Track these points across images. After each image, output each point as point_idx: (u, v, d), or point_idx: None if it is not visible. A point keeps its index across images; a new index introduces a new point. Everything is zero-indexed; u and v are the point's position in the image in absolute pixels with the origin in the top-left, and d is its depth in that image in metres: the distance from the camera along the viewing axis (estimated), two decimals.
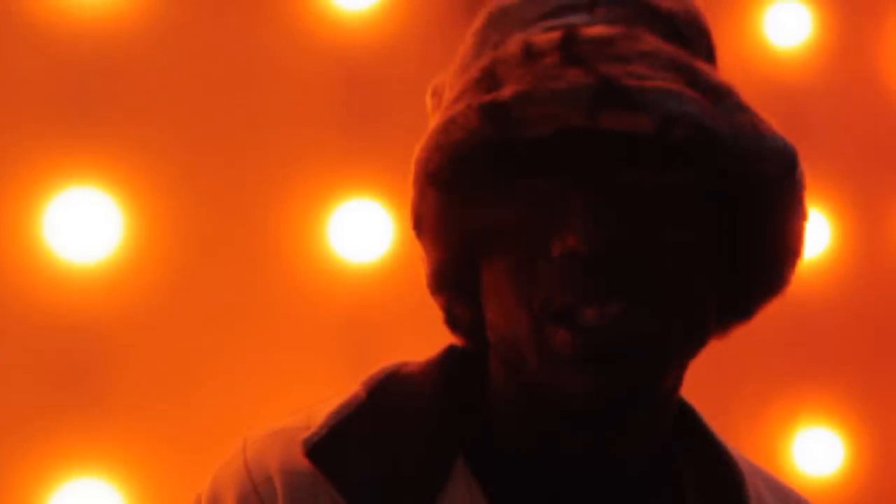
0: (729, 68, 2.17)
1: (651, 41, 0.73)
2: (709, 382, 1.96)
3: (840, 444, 2.00)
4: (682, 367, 0.79)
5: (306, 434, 0.79)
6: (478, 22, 0.81)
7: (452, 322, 0.85)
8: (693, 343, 0.76)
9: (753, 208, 0.76)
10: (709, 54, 0.80)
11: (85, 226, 1.58)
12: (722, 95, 0.73)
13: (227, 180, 1.71)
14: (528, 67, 0.71)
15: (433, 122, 0.78)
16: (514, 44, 0.74)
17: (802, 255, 0.80)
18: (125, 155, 1.65)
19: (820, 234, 2.04)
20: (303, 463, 0.78)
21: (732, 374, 1.97)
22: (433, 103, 0.84)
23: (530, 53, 0.72)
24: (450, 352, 0.86)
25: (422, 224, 0.80)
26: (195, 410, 1.65)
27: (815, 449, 1.99)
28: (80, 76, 1.66)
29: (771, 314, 2.22)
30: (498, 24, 0.78)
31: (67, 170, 1.61)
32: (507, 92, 0.71)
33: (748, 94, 2.33)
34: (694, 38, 0.78)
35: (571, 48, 0.71)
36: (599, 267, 0.71)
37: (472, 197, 0.76)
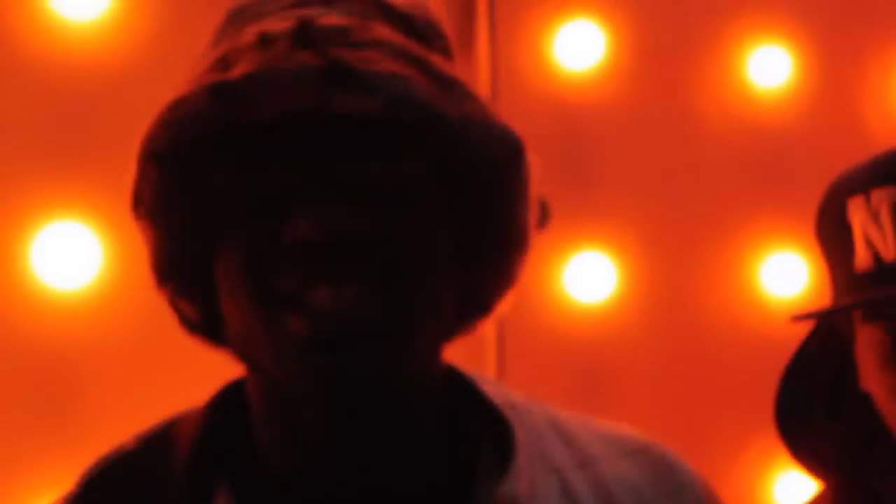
0: (712, 108, 2.19)
1: (385, 31, 0.73)
2: (688, 422, 1.97)
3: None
4: (430, 353, 0.78)
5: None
6: (219, 21, 0.80)
7: (184, 321, 0.82)
8: (432, 328, 0.76)
9: (481, 193, 0.77)
10: (445, 52, 0.79)
11: (67, 256, 1.62)
12: (452, 85, 0.74)
13: None
14: (261, 53, 0.71)
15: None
16: (249, 33, 0.73)
17: (529, 247, 0.79)
18: (105, 191, 1.68)
19: (797, 273, 2.05)
20: None
21: (712, 413, 1.98)
22: None
23: (264, 40, 0.72)
24: (224, 388, 0.85)
25: (141, 204, 0.77)
26: None
27: (796, 490, 1.99)
28: (65, 117, 1.70)
29: (750, 353, 2.23)
30: (236, 19, 0.77)
31: (53, 204, 1.64)
32: (236, 73, 0.71)
33: (730, 133, 2.34)
34: (431, 37, 0.78)
35: (305, 35, 0.71)
36: (331, 252, 0.70)
37: (197, 179, 0.74)
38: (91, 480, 0.82)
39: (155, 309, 1.64)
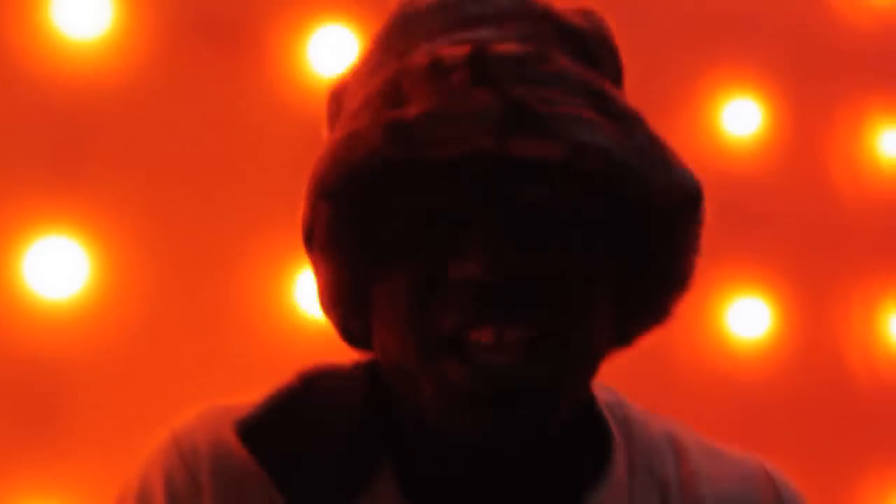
0: (684, 155, 2.24)
1: (561, 62, 0.71)
2: None
3: None
4: (581, 394, 0.77)
5: (239, 414, 0.78)
6: (382, 27, 0.77)
7: (349, 337, 0.81)
8: (588, 375, 0.75)
9: (654, 238, 0.75)
10: (616, 75, 0.78)
11: (57, 268, 1.70)
12: (632, 124, 0.72)
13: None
14: (436, 84, 0.68)
15: (334, 132, 0.74)
16: (420, 56, 0.70)
17: (689, 285, 0.78)
18: (93, 208, 1.74)
19: (759, 319, 2.09)
20: (233, 442, 0.76)
21: None
22: (331, 110, 0.80)
23: (437, 68, 0.69)
24: (370, 362, 0.83)
25: (313, 239, 0.76)
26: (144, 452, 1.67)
27: None
28: (58, 135, 1.74)
29: (712, 394, 2.27)
30: (403, 32, 0.74)
31: (45, 219, 1.71)
32: (412, 110, 0.68)
33: (702, 181, 2.38)
34: (603, 57, 0.76)
35: (480, 66, 0.68)
36: (498, 294, 0.68)
37: (368, 213, 0.72)
38: (269, 411, 0.78)
39: (136, 317, 1.71)
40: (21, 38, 1.74)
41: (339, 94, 0.79)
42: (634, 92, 2.30)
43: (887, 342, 2.16)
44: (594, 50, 0.75)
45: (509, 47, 0.70)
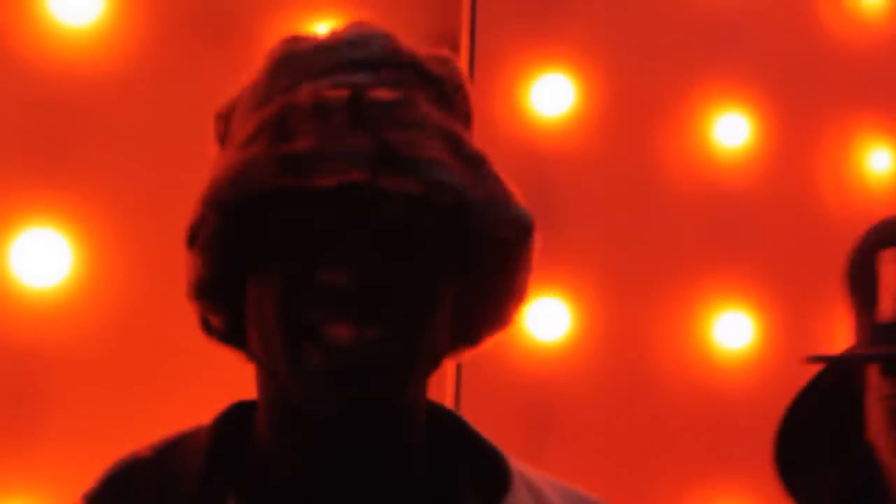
0: (674, 165, 2.25)
1: (424, 108, 0.85)
2: (634, 463, 2.01)
3: None
4: (423, 383, 0.90)
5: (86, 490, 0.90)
6: (267, 61, 0.89)
7: (208, 328, 0.93)
8: (429, 364, 0.88)
9: (492, 262, 0.89)
10: (467, 117, 0.92)
11: (42, 258, 1.73)
12: (479, 164, 0.86)
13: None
14: (320, 122, 0.82)
15: (226, 150, 0.87)
16: (305, 94, 0.83)
17: (525, 299, 0.92)
18: (76, 201, 1.75)
19: (743, 330, 2.11)
20: None
21: (652, 460, 2.02)
22: (219, 129, 0.93)
23: (321, 108, 0.82)
24: (229, 408, 0.94)
25: (196, 240, 0.88)
26: (126, 445, 1.67)
27: None
28: (43, 126, 1.74)
29: (693, 403, 2.27)
30: (288, 69, 0.87)
31: (30, 212, 1.73)
32: (301, 144, 0.81)
33: (689, 189, 2.38)
34: (457, 102, 0.90)
35: (358, 109, 0.82)
36: (358, 298, 0.81)
37: (248, 223, 0.85)
38: (110, 480, 0.90)
39: (118, 306, 1.71)
40: (11, 22, 1.74)
41: (226, 116, 0.93)
42: (627, 104, 2.33)
43: None
44: (450, 95, 0.89)
45: (382, 94, 0.83)
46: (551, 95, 2.06)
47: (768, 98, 2.19)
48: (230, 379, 1.74)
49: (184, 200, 1.76)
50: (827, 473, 1.08)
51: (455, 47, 1.97)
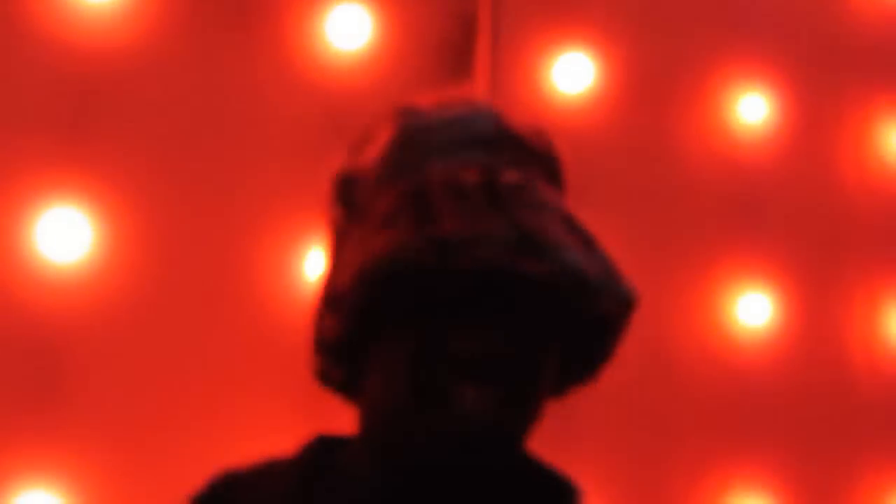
0: (693, 142, 2.24)
1: (541, 188, 0.93)
2: (652, 446, 2.01)
3: None
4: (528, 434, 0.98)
5: None
6: (391, 133, 0.96)
7: (324, 378, 1.00)
8: (535, 423, 0.95)
9: (595, 333, 0.97)
10: (564, 187, 1.01)
11: (64, 235, 1.75)
12: (591, 243, 0.93)
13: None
14: (459, 204, 0.89)
15: (364, 226, 0.93)
16: (438, 174, 0.91)
17: (611, 362, 1.01)
18: (98, 180, 1.76)
19: (763, 309, 2.10)
20: None
21: (672, 439, 2.02)
22: (343, 194, 0.98)
23: (458, 190, 0.90)
24: (312, 443, 1.02)
25: (337, 307, 0.94)
26: (148, 419, 1.69)
27: None
28: (66, 104, 1.76)
29: (714, 382, 2.27)
30: (413, 143, 0.94)
31: (53, 191, 1.74)
32: (446, 227, 0.88)
33: (709, 167, 2.35)
34: (560, 178, 1.00)
35: (492, 191, 0.90)
36: (484, 365, 0.89)
37: (389, 294, 0.91)
38: (215, 487, 0.98)
39: (138, 281, 1.72)
40: (34, 0, 1.75)
41: (350, 182, 0.97)
42: (648, 82, 2.32)
43: (889, 336, 2.16)
44: (554, 171, 0.98)
45: (511, 176, 0.92)
46: (572, 74, 2.06)
47: (789, 76, 2.18)
48: (253, 355, 1.76)
49: (205, 178, 1.79)
50: None
51: (474, 24, 1.96)
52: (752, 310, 2.10)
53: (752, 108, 2.15)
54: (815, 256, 2.15)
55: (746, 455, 2.06)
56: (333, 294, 0.94)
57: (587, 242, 0.93)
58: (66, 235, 1.73)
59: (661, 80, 2.10)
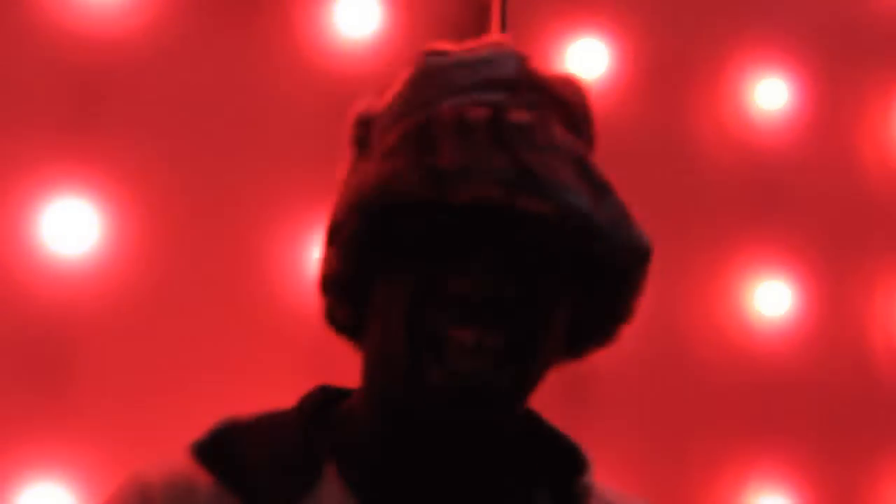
0: (711, 129, 2.23)
1: (556, 131, 0.90)
2: (672, 435, 2.00)
3: None
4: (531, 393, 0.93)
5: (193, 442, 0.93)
6: (410, 73, 0.94)
7: (332, 320, 0.98)
8: (538, 381, 0.91)
9: (608, 287, 0.93)
10: (590, 139, 0.97)
11: (71, 227, 1.72)
12: (605, 191, 0.90)
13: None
14: (462, 139, 0.86)
15: (370, 158, 0.91)
16: (447, 110, 0.88)
17: (631, 320, 0.96)
18: (105, 171, 1.74)
19: (783, 298, 2.08)
20: (186, 463, 0.91)
21: (690, 429, 2.01)
22: (359, 133, 0.96)
23: (463, 126, 0.87)
24: (313, 392, 0.99)
25: (336, 238, 0.93)
26: (157, 411, 1.68)
27: None
28: (72, 95, 1.74)
29: (732, 372, 2.25)
30: (430, 82, 0.92)
31: (59, 181, 1.72)
32: (444, 160, 0.86)
33: (727, 155, 2.35)
34: (583, 126, 0.95)
35: (498, 129, 0.87)
36: (484, 306, 0.85)
37: (387, 227, 0.89)
38: (217, 434, 0.93)
39: (147, 272, 1.71)
40: None
41: (367, 122, 0.95)
42: (664, 67, 2.30)
43: None
44: (578, 119, 0.94)
45: (520, 115, 0.89)
46: (586, 59, 2.03)
47: (808, 60, 2.16)
48: (260, 345, 1.76)
49: (213, 169, 1.78)
50: None
51: (486, 10, 1.94)
52: (771, 299, 2.07)
53: (770, 93, 2.13)
54: (835, 244, 2.13)
55: (765, 446, 2.04)
56: (334, 225, 0.93)
57: (599, 188, 0.90)
58: (73, 227, 1.71)
59: (677, 65, 2.08)
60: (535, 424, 0.99)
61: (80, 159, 1.73)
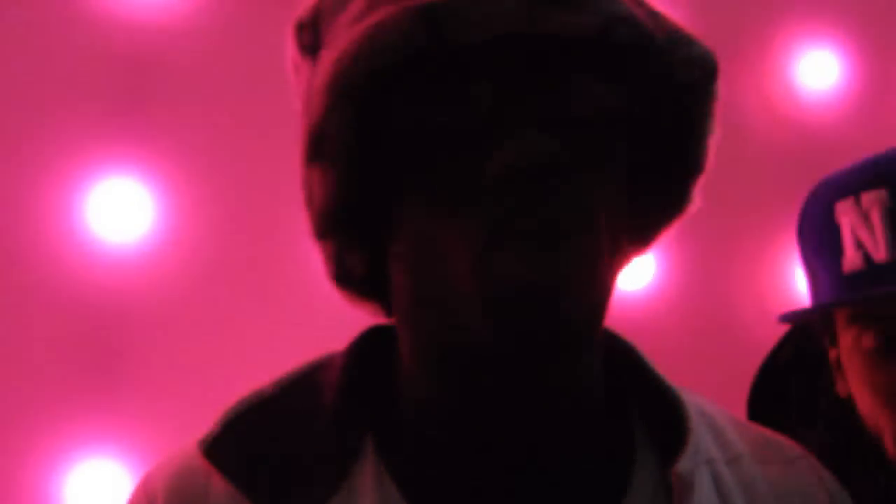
0: (758, 105, 2.19)
1: None
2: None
3: None
4: (605, 301, 0.72)
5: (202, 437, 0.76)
6: None
7: (343, 276, 0.77)
8: (613, 262, 0.71)
9: (675, 116, 0.73)
10: None
11: (121, 211, 1.69)
12: (653, 10, 0.70)
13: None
14: None
15: (327, 49, 0.69)
16: None
17: (704, 170, 0.77)
18: (159, 148, 1.74)
19: None
20: (199, 462, 0.75)
21: (740, 415, 1.99)
22: (303, 39, 0.74)
23: None
24: (364, 334, 0.80)
25: (323, 146, 0.69)
26: (209, 394, 1.69)
27: None
28: (122, 75, 1.74)
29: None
30: None
31: (108, 160, 1.71)
32: None
33: (775, 131, 2.31)
34: None
35: None
36: (539, 179, 0.64)
37: (388, 116, 0.67)
38: (230, 423, 0.76)
39: (203, 263, 1.72)
40: None
41: (311, 23, 0.73)
42: (707, 44, 2.26)
43: None
44: None
45: None
46: None
47: (857, 35, 2.12)
48: (316, 330, 1.76)
49: (265, 151, 1.78)
50: (805, 436, 1.00)
51: None
52: None
53: (818, 70, 2.10)
54: None
55: None
56: (311, 134, 0.69)
57: (647, 8, 0.69)
58: (125, 209, 1.69)
59: (724, 41, 2.05)
60: (629, 361, 0.78)
61: (131, 141, 1.73)
